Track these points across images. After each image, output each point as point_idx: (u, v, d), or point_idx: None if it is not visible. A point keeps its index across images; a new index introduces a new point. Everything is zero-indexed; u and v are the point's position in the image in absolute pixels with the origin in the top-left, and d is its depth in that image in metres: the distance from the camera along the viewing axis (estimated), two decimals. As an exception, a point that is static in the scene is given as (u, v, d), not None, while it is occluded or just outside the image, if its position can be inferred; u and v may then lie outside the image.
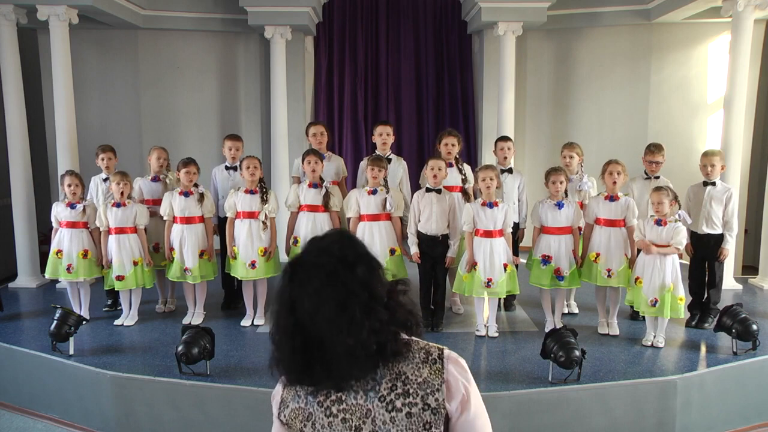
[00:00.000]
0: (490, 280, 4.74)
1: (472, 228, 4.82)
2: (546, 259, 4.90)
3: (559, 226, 4.89)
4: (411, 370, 1.39)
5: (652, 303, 4.57)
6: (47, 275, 5.29)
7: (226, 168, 5.56)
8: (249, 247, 5.03)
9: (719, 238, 5.13)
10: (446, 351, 1.43)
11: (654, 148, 5.30)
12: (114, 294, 5.53)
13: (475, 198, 5.18)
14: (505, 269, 4.80)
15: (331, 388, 1.39)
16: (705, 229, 5.11)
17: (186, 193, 5.09)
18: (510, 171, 5.49)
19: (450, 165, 5.31)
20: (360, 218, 5.02)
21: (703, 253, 5.14)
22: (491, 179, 4.80)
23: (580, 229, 5.02)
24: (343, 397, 1.39)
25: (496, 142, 5.71)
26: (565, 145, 5.49)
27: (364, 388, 1.38)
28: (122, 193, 5.05)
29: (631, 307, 5.06)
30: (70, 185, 5.13)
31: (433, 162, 5.00)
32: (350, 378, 1.36)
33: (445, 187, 5.15)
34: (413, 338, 1.43)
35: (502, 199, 5.03)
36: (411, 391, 1.37)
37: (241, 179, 5.23)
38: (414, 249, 5.03)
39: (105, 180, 5.59)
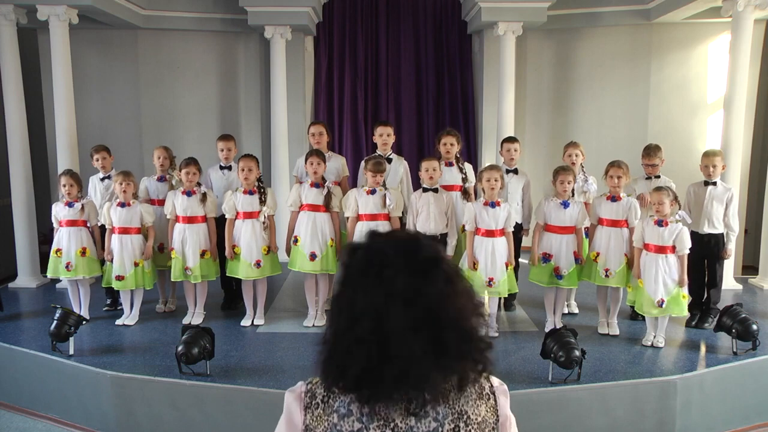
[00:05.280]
0: (491, 280, 4.74)
1: (473, 227, 4.82)
2: (546, 257, 4.90)
3: (563, 225, 4.89)
4: (471, 408, 1.30)
5: (659, 303, 4.56)
6: (48, 274, 5.29)
7: (221, 168, 5.58)
8: (253, 247, 5.03)
9: (720, 238, 5.13)
10: (494, 382, 1.36)
11: (651, 151, 5.29)
12: (113, 293, 5.53)
13: (476, 197, 5.18)
14: (506, 268, 4.80)
15: (401, 398, 1.23)
16: (706, 229, 5.11)
17: (189, 193, 5.10)
18: (515, 172, 5.49)
19: (450, 164, 5.32)
20: (358, 218, 5.02)
21: (704, 252, 5.13)
22: (496, 180, 4.80)
23: (586, 229, 5.02)
24: None
25: (502, 143, 5.71)
26: (569, 144, 5.48)
27: (426, 429, 1.26)
28: (125, 192, 5.06)
29: (632, 307, 5.05)
30: (65, 185, 5.15)
31: (426, 163, 5.00)
32: (423, 390, 1.22)
33: (445, 186, 5.17)
34: None
35: (505, 199, 5.03)
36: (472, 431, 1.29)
37: (237, 178, 5.24)
38: None
39: (102, 179, 5.63)
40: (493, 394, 1.34)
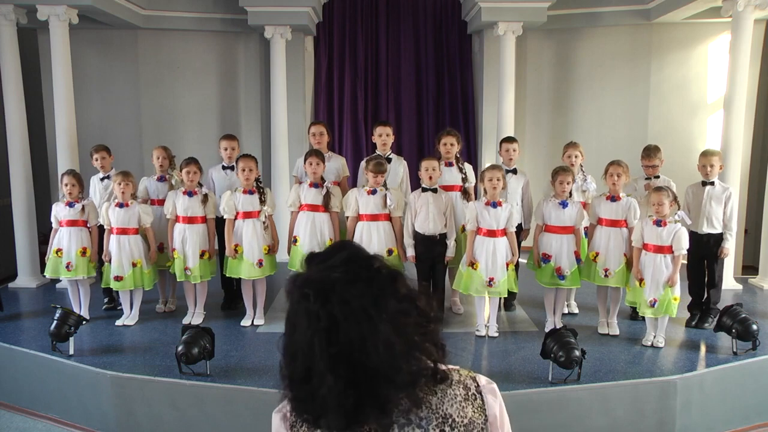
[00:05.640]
0: (492, 280, 4.74)
1: (474, 227, 4.82)
2: (545, 258, 4.90)
3: (562, 225, 4.89)
4: (456, 411, 1.26)
5: (651, 303, 4.57)
6: (47, 274, 5.28)
7: (223, 168, 5.57)
8: (255, 247, 5.03)
9: (719, 238, 5.13)
10: (480, 381, 1.32)
11: (650, 152, 5.29)
12: (110, 293, 5.52)
13: (476, 197, 5.17)
14: (506, 268, 4.80)
15: (379, 428, 1.19)
16: (705, 229, 5.11)
17: (190, 193, 5.10)
18: (514, 171, 5.49)
19: (450, 164, 5.32)
20: (359, 218, 5.02)
21: (703, 252, 5.14)
22: (498, 179, 4.79)
23: (585, 229, 5.02)
24: None
25: (501, 143, 5.70)
26: (569, 144, 5.48)
27: None
28: (123, 193, 5.05)
29: (632, 307, 5.05)
30: (66, 184, 5.15)
31: (426, 163, 5.01)
32: (407, 412, 1.20)
33: (445, 186, 5.17)
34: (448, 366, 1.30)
35: (505, 199, 5.03)
36: None
37: (238, 179, 5.24)
38: (410, 251, 5.03)
39: (102, 179, 5.63)
40: (480, 393, 1.30)
